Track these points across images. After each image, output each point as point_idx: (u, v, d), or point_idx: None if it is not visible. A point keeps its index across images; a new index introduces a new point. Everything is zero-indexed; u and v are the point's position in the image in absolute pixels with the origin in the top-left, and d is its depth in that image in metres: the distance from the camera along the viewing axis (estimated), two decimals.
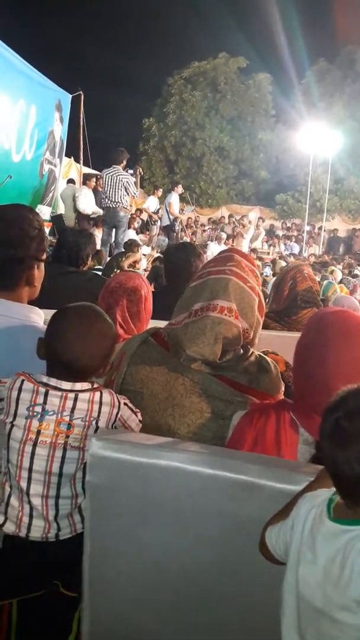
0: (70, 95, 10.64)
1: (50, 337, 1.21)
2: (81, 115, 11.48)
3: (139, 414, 1.28)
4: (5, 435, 1.20)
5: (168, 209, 10.71)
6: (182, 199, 12.39)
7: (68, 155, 11.60)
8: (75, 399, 1.18)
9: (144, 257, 7.89)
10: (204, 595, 1.10)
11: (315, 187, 18.03)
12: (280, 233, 17.22)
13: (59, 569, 1.22)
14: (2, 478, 1.23)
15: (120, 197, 7.39)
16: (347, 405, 0.80)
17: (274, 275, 7.58)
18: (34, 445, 1.16)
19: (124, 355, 1.39)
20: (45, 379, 1.20)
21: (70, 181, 10.79)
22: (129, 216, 8.48)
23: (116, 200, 7.41)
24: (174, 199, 10.77)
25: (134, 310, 1.83)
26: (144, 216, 12.80)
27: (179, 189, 11.13)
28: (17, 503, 1.19)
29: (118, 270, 5.02)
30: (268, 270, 9.49)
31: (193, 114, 19.88)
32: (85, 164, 12.33)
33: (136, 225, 10.08)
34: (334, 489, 0.84)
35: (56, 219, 9.54)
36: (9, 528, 1.20)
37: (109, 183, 7.35)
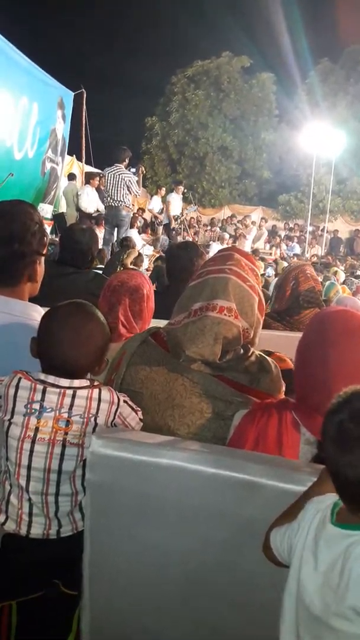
0: (73, 93, 10.61)
1: (41, 336, 1.21)
2: (83, 114, 11.46)
3: (139, 413, 1.28)
4: (4, 433, 1.19)
5: (165, 208, 10.72)
6: (184, 198, 12.38)
7: (70, 153, 11.57)
8: (74, 396, 1.18)
9: (147, 257, 7.87)
10: (204, 594, 1.10)
11: (318, 188, 17.99)
12: (282, 234, 17.21)
13: (60, 567, 1.22)
14: (2, 476, 1.22)
15: (123, 195, 7.38)
16: (351, 407, 0.79)
17: (276, 275, 7.56)
18: (33, 442, 1.16)
19: (124, 355, 1.39)
20: (43, 377, 1.19)
21: (71, 176, 10.74)
22: (132, 215, 8.47)
23: (118, 199, 7.40)
24: (172, 199, 10.77)
25: (136, 309, 1.82)
26: (147, 216, 12.80)
27: (180, 189, 11.12)
28: (16, 501, 1.19)
29: (122, 268, 5.01)
30: (271, 271, 9.47)
31: (196, 113, 19.87)
32: (88, 162, 12.32)
33: (138, 224, 10.07)
34: None
35: (58, 218, 9.53)
36: (10, 526, 1.20)
37: (112, 182, 7.34)
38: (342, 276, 7.70)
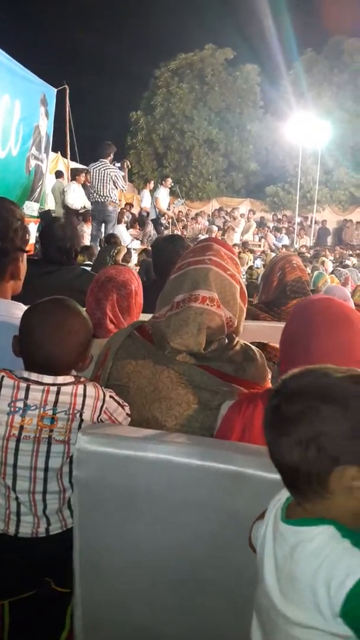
0: (55, 90, 10.50)
1: (22, 334, 1.20)
2: (67, 110, 11.36)
3: (126, 408, 1.27)
4: None
5: (155, 203, 10.66)
6: (171, 192, 12.33)
7: (55, 150, 11.47)
8: (58, 393, 1.17)
9: (135, 252, 7.84)
10: (195, 587, 1.10)
11: (305, 179, 18.03)
12: (271, 225, 17.23)
13: (50, 565, 1.22)
14: None
15: (109, 191, 7.33)
16: (286, 388, 0.74)
17: (265, 267, 7.57)
18: (18, 441, 1.15)
19: (109, 350, 1.38)
20: (26, 374, 1.18)
21: (59, 174, 10.66)
22: (118, 210, 8.42)
23: (104, 195, 7.35)
24: (161, 193, 10.71)
25: (124, 305, 1.81)
26: (135, 210, 12.73)
27: (168, 183, 11.08)
28: (3, 501, 1.18)
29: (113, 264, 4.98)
30: (259, 262, 9.49)
31: (181, 107, 19.78)
32: (73, 158, 12.22)
33: (126, 219, 10.02)
34: None
35: (44, 215, 9.45)
36: None
37: (97, 177, 7.29)
38: (330, 266, 7.73)
